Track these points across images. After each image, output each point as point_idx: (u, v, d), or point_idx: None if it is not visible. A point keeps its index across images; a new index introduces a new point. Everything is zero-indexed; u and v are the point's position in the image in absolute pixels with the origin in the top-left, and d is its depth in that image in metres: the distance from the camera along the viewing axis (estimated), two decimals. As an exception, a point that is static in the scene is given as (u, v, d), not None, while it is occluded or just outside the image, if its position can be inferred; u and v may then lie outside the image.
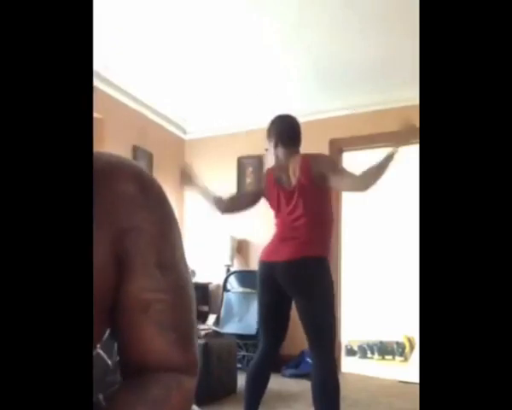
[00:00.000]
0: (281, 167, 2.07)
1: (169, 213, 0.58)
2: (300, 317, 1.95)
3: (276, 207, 2.06)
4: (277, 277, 1.95)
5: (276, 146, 2.10)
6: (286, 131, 2.11)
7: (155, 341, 0.54)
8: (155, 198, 0.56)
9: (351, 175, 1.90)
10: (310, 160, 1.97)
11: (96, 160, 0.55)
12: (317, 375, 1.89)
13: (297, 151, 2.08)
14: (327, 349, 1.89)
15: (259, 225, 3.36)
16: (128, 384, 0.55)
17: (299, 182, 1.96)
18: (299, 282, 1.92)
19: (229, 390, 2.93)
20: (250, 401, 2.01)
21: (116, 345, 0.62)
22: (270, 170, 2.12)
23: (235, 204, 2.24)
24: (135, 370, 0.55)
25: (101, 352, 0.55)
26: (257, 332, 2.13)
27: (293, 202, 1.98)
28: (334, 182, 1.94)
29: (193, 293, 0.59)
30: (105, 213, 0.52)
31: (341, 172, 1.95)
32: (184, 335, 0.56)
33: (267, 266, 1.98)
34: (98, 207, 0.52)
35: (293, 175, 1.99)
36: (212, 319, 3.73)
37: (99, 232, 0.51)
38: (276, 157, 2.11)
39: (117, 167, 0.55)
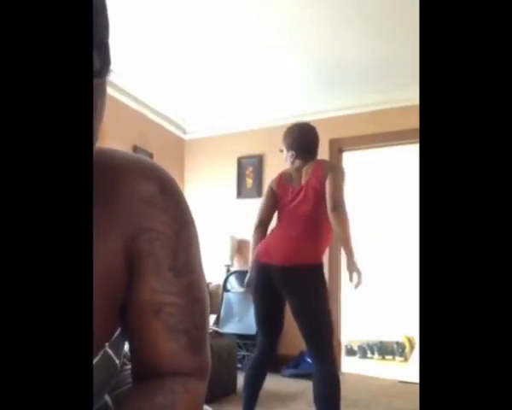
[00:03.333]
0: (295, 170, 2.19)
1: (186, 216, 0.57)
2: (297, 320, 1.99)
3: (283, 203, 2.15)
4: (273, 279, 2.02)
5: (293, 157, 2.21)
6: (304, 147, 2.21)
7: (165, 344, 0.53)
8: (173, 200, 0.55)
9: (340, 216, 1.96)
10: (324, 168, 2.07)
11: (115, 157, 0.54)
12: (317, 377, 1.92)
13: (313, 160, 2.20)
14: (325, 350, 1.92)
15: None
16: (135, 390, 0.55)
17: (309, 180, 2.07)
18: (294, 285, 1.98)
19: (228, 390, 2.93)
20: (249, 400, 2.06)
21: (125, 346, 0.62)
22: (282, 172, 2.25)
23: (263, 228, 2.25)
24: (145, 372, 0.54)
25: (108, 350, 0.55)
26: (257, 332, 2.19)
27: (299, 198, 2.08)
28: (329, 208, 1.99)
29: (206, 297, 0.58)
30: (121, 211, 0.51)
31: (339, 205, 2.00)
32: (196, 339, 0.55)
33: (264, 269, 2.04)
34: (115, 204, 0.51)
35: (305, 175, 2.11)
36: (212, 319, 3.73)
37: (113, 230, 0.51)
38: (292, 163, 2.22)
39: (137, 166, 0.54)
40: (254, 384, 2.08)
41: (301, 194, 2.08)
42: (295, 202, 2.08)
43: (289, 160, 2.23)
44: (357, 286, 2.00)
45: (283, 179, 2.20)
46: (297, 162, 2.19)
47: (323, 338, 1.93)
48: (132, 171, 0.53)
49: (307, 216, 2.03)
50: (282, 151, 2.29)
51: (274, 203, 2.20)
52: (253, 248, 2.19)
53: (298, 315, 1.98)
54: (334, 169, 2.09)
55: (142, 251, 0.52)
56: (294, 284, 1.97)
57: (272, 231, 2.16)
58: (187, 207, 0.58)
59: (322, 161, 2.18)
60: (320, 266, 2.02)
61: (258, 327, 2.14)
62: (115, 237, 0.51)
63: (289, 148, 2.22)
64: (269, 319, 2.11)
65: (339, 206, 1.97)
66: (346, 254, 1.98)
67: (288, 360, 3.61)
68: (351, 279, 2.00)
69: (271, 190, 2.22)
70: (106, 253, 0.49)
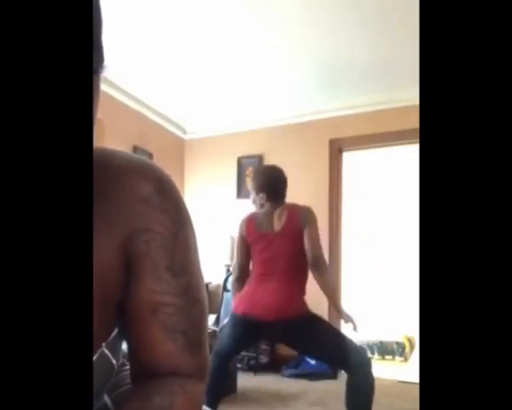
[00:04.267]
0: (265, 214, 2.11)
1: (184, 216, 0.57)
2: (316, 356, 2.09)
3: (256, 250, 2.08)
4: (264, 334, 2.02)
5: (263, 199, 2.15)
6: (274, 188, 2.16)
7: (163, 344, 0.53)
8: (171, 201, 0.55)
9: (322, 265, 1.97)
10: (300, 217, 2.03)
11: (114, 157, 0.54)
12: (353, 386, 1.91)
13: (282, 203, 2.15)
14: (352, 361, 1.91)
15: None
16: (134, 391, 0.55)
17: (285, 227, 2.02)
18: (297, 338, 1.96)
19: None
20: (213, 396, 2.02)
21: (123, 346, 0.62)
22: (251, 216, 2.16)
23: (243, 278, 2.21)
24: (143, 373, 0.54)
25: (105, 351, 0.55)
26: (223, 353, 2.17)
27: (276, 245, 2.02)
28: (307, 249, 1.99)
29: (205, 297, 0.58)
30: (119, 212, 0.51)
31: (317, 246, 2.00)
32: (194, 339, 0.55)
33: (250, 323, 1.96)
34: (113, 204, 0.51)
35: (278, 220, 2.05)
36: (212, 319, 3.73)
37: (111, 230, 0.51)
38: (261, 206, 2.15)
39: (135, 167, 0.54)
40: (220, 389, 2.07)
41: (277, 241, 2.02)
42: (272, 250, 2.02)
43: (259, 203, 2.15)
44: (355, 329, 2.04)
45: (254, 225, 2.10)
46: (267, 205, 2.11)
47: (349, 355, 1.90)
48: (131, 171, 0.53)
49: (287, 265, 1.99)
50: (251, 194, 2.23)
51: (248, 250, 2.13)
52: (234, 299, 2.16)
53: (315, 353, 2.05)
54: (311, 219, 2.04)
55: (140, 251, 0.52)
56: (297, 337, 1.95)
57: (251, 282, 2.07)
58: (185, 208, 0.58)
59: (295, 206, 2.10)
60: (308, 310, 1.99)
61: (227, 354, 2.07)
62: (113, 237, 0.51)
63: (260, 190, 2.13)
64: (235, 355, 2.11)
65: (320, 262, 1.97)
66: (333, 306, 2.02)
67: (288, 360, 3.60)
68: (346, 322, 2.05)
69: (242, 237, 2.13)
70: (103, 252, 0.49)
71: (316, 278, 1.98)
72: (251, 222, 2.12)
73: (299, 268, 2.02)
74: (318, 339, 1.93)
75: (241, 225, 2.15)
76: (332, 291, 2.00)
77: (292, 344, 2.03)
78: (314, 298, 2.14)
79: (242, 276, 2.16)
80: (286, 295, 1.94)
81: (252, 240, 2.09)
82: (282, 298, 1.93)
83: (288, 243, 2.00)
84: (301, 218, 2.02)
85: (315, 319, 1.97)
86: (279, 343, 2.08)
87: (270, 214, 2.09)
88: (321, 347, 1.96)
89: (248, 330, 2.00)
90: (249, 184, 2.25)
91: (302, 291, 2.03)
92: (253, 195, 2.19)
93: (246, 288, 2.06)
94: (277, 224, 2.05)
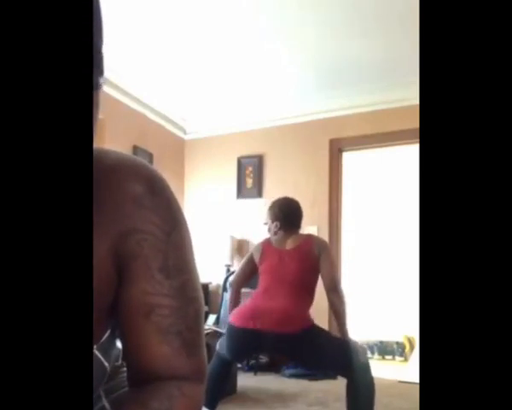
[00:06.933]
0: (279, 239, 2.22)
1: (177, 215, 0.56)
2: (316, 367, 2.16)
3: (267, 265, 2.14)
4: (268, 348, 2.03)
5: (277, 227, 2.24)
6: (292, 219, 2.26)
7: (158, 347, 0.52)
8: (163, 200, 0.54)
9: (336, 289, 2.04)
10: (316, 244, 2.12)
11: (106, 157, 0.53)
12: (354, 386, 1.92)
13: (296, 232, 2.24)
14: (352, 363, 1.91)
15: (259, 225, 3.36)
16: (131, 395, 0.54)
17: (300, 246, 2.10)
18: (300, 350, 1.97)
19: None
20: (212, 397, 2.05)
21: (115, 348, 0.61)
22: (266, 239, 2.28)
23: (241, 285, 2.34)
24: (140, 376, 0.53)
25: (97, 353, 0.54)
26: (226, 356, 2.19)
27: (287, 260, 2.09)
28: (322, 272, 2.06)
29: (201, 297, 0.57)
30: (110, 212, 0.51)
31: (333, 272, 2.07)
32: (190, 341, 0.54)
33: (250, 335, 1.97)
34: (104, 205, 0.50)
35: (292, 243, 2.14)
36: (212, 319, 3.73)
37: (102, 230, 0.50)
38: (275, 234, 2.25)
39: (127, 166, 0.53)
40: (218, 392, 2.09)
41: (288, 257, 2.09)
42: (281, 266, 2.08)
43: (273, 230, 2.25)
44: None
45: (268, 244, 2.22)
46: (280, 233, 2.21)
47: (350, 361, 1.91)
48: (122, 171, 0.53)
49: (295, 280, 2.03)
50: (265, 224, 2.33)
51: (251, 270, 2.26)
52: (231, 301, 2.26)
53: (318, 366, 2.13)
54: (327, 247, 2.14)
55: (132, 252, 0.51)
56: (299, 351, 1.96)
57: (254, 296, 2.10)
58: (177, 207, 0.57)
59: (311, 236, 2.23)
60: (312, 323, 1.99)
61: (228, 360, 2.10)
62: (104, 238, 0.50)
63: (275, 218, 2.25)
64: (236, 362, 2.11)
65: (338, 286, 2.04)
66: (340, 330, 2.02)
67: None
68: None
69: (251, 258, 2.24)
70: (94, 254, 0.48)
71: (331, 301, 2.03)
72: (266, 243, 2.24)
73: (306, 287, 2.07)
74: (321, 353, 1.94)
75: (256, 247, 2.27)
76: (345, 319, 2.02)
77: (294, 357, 2.06)
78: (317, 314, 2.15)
79: (239, 284, 2.29)
80: (291, 308, 1.96)
81: (263, 257, 2.17)
82: (287, 311, 1.94)
83: (298, 260, 2.06)
84: (317, 244, 2.11)
85: (318, 333, 1.98)
86: (280, 356, 2.06)
87: (284, 238, 2.19)
88: (323, 361, 1.98)
89: (249, 343, 2.02)
90: (266, 213, 2.35)
91: (307, 307, 2.05)
92: (268, 223, 2.30)
93: (247, 303, 2.10)
94: (290, 245, 2.14)
